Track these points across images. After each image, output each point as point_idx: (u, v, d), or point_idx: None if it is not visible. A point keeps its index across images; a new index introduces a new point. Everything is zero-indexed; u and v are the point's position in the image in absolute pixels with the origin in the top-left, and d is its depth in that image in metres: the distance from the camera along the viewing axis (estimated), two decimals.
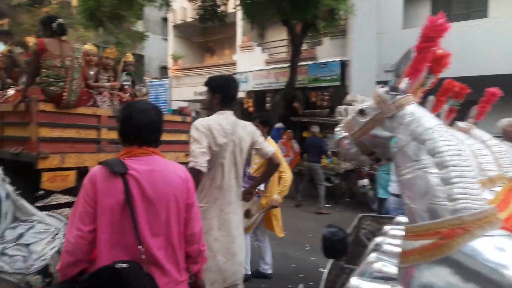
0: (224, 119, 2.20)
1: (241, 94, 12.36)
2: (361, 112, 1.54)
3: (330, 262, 1.92)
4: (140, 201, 1.37)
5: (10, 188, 2.03)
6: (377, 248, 1.86)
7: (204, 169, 2.03)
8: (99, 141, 3.84)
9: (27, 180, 3.39)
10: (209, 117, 2.22)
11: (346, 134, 1.61)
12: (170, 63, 17.04)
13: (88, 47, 4.23)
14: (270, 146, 2.46)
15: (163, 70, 19.90)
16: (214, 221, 2.15)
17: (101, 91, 4.11)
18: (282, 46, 13.71)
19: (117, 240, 1.35)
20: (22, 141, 3.46)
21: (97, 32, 12.58)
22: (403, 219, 2.20)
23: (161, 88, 16.55)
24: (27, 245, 1.88)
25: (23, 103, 3.43)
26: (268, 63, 12.65)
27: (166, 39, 19.21)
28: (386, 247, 1.83)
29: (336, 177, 8.04)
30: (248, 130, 2.29)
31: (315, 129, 7.88)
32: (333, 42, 11.26)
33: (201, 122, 2.14)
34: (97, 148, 3.81)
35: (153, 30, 18.36)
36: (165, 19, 19.51)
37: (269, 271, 3.71)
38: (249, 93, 12.19)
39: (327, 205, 7.80)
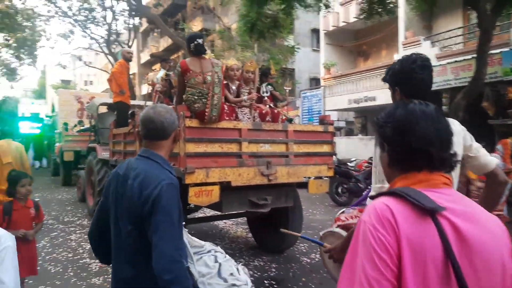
0: None
1: None
2: None
3: None
4: (463, 262, 0.85)
5: None
6: None
7: None
8: (240, 155, 3.91)
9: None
10: None
11: None
12: (322, 72, 17.09)
13: (232, 62, 4.43)
14: (488, 154, 1.75)
15: (313, 81, 20.19)
16: None
17: (242, 105, 4.22)
18: (457, 36, 11.72)
19: None
20: (172, 157, 3.81)
21: (252, 51, 13.79)
22: None
23: (314, 98, 16.80)
24: (231, 274, 1.84)
25: None
26: (439, 58, 11.10)
27: (315, 50, 19.50)
28: None
29: None
30: (457, 129, 1.64)
31: None
32: None
33: None
34: (238, 162, 3.87)
35: (303, 43, 18.87)
36: (314, 30, 19.88)
37: None
38: None
39: None
